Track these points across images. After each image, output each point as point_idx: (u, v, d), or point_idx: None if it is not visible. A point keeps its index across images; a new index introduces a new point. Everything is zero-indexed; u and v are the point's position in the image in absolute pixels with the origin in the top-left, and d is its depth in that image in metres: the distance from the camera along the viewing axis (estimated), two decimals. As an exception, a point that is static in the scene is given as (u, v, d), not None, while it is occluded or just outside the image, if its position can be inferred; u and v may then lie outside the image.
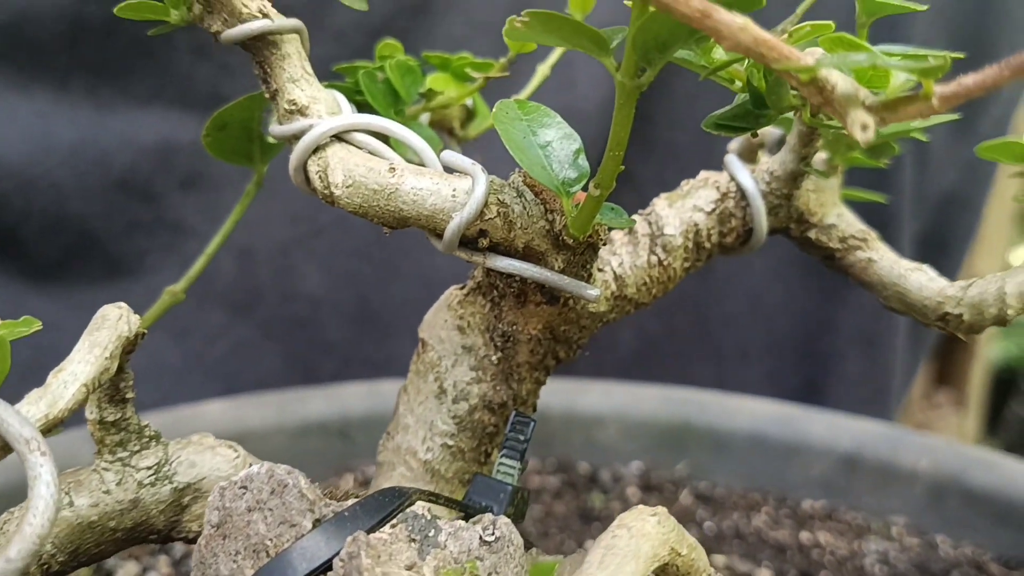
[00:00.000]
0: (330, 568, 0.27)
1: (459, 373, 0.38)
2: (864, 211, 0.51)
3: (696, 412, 0.78)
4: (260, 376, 0.98)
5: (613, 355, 1.02)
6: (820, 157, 0.41)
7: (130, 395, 0.35)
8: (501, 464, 0.36)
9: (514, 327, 0.37)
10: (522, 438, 0.36)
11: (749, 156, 0.46)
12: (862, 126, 0.22)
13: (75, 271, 0.95)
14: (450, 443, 0.38)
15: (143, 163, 0.94)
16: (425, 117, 0.46)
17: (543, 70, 0.48)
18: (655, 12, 0.25)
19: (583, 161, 0.33)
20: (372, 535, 0.28)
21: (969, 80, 0.23)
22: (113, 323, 0.31)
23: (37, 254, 0.92)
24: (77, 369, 0.29)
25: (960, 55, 0.36)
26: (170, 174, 0.96)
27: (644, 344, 1.02)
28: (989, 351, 1.85)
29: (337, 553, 0.27)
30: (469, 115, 0.48)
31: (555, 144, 0.34)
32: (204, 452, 0.36)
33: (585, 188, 0.33)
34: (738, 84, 0.31)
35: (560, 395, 0.79)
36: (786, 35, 0.24)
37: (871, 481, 0.71)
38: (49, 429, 0.28)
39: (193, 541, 0.34)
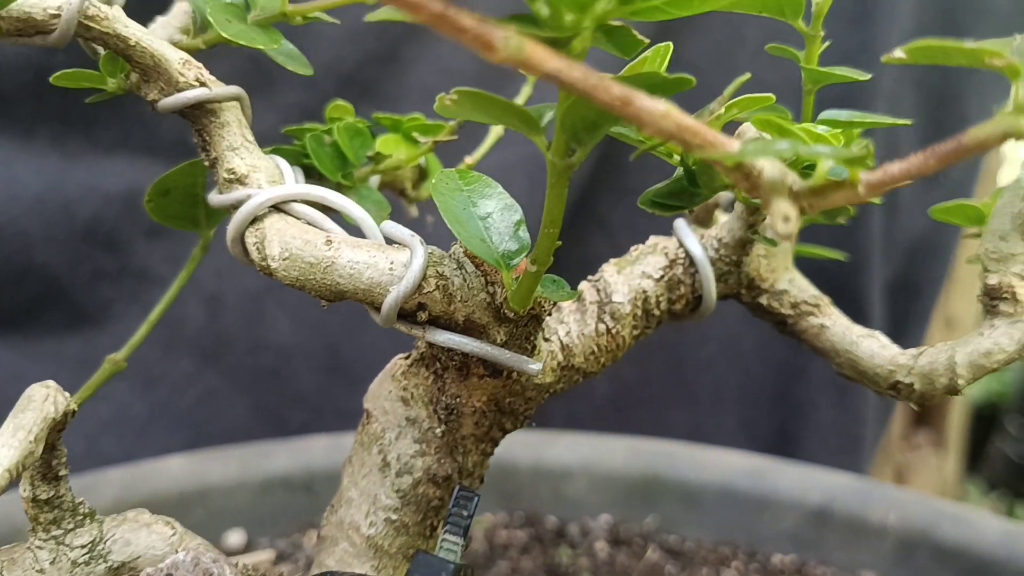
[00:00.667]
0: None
1: (403, 446, 0.37)
2: (835, 260, 0.51)
3: (666, 464, 0.77)
4: (228, 426, 0.97)
5: (588, 402, 1.01)
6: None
7: (63, 472, 0.34)
8: (444, 540, 0.35)
9: (458, 399, 0.36)
10: (465, 513, 0.35)
11: (706, 217, 0.46)
12: (784, 218, 0.21)
13: (40, 320, 0.94)
14: (394, 517, 0.37)
15: (109, 211, 0.93)
16: (375, 179, 0.45)
17: (497, 129, 0.48)
18: (579, 99, 0.24)
19: (523, 233, 0.33)
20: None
21: (895, 168, 0.22)
22: (39, 404, 0.30)
23: (1, 303, 0.91)
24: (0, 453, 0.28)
25: (908, 122, 0.36)
26: (136, 222, 0.95)
27: (619, 391, 1.01)
28: (968, 390, 1.85)
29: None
30: (422, 175, 0.48)
31: (495, 216, 0.33)
32: (140, 530, 0.35)
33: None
34: (676, 158, 0.30)
35: (528, 448, 0.78)
36: (715, 116, 0.24)
37: (841, 535, 0.70)
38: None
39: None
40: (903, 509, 0.69)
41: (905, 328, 1.01)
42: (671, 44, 0.29)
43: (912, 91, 0.97)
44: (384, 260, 0.33)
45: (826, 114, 0.37)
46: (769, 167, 0.23)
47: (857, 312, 0.98)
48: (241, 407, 0.98)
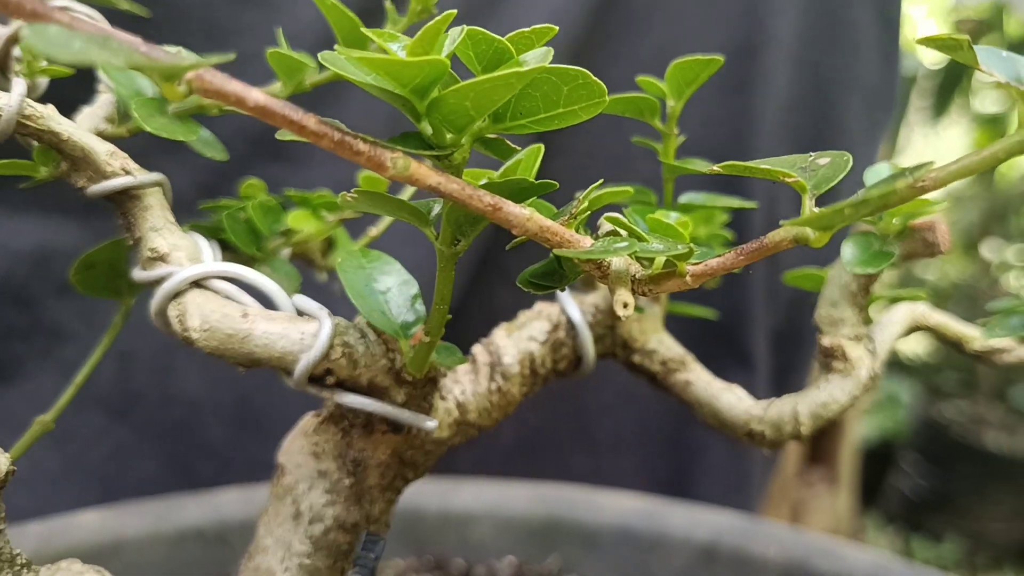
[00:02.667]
0: None
1: (314, 496, 0.41)
2: (723, 308, 0.57)
3: (565, 508, 0.82)
4: (139, 479, 0.98)
5: (495, 449, 1.06)
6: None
7: (2, 527, 0.37)
8: (351, 583, 0.39)
9: (364, 453, 0.40)
10: (372, 555, 0.39)
11: (591, 281, 0.51)
12: (623, 304, 0.26)
13: None
14: (307, 562, 0.40)
15: (19, 269, 0.94)
16: (287, 251, 0.49)
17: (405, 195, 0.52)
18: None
19: (420, 306, 0.37)
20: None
21: (714, 263, 0.27)
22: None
23: None
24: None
25: (753, 205, 0.42)
26: (47, 280, 0.96)
27: (524, 437, 1.06)
28: (858, 429, 1.95)
29: None
30: (330, 244, 0.52)
31: (394, 290, 0.38)
32: (65, 582, 0.38)
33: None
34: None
35: (435, 495, 0.82)
36: (570, 217, 0.29)
37: (727, 569, 0.75)
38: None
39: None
40: (782, 543, 0.75)
41: (789, 373, 1.08)
42: (542, 146, 0.34)
43: (787, 146, 1.05)
44: (295, 331, 0.37)
45: (685, 197, 0.43)
46: (616, 261, 0.28)
47: (744, 360, 1.06)
48: (152, 460, 1.00)
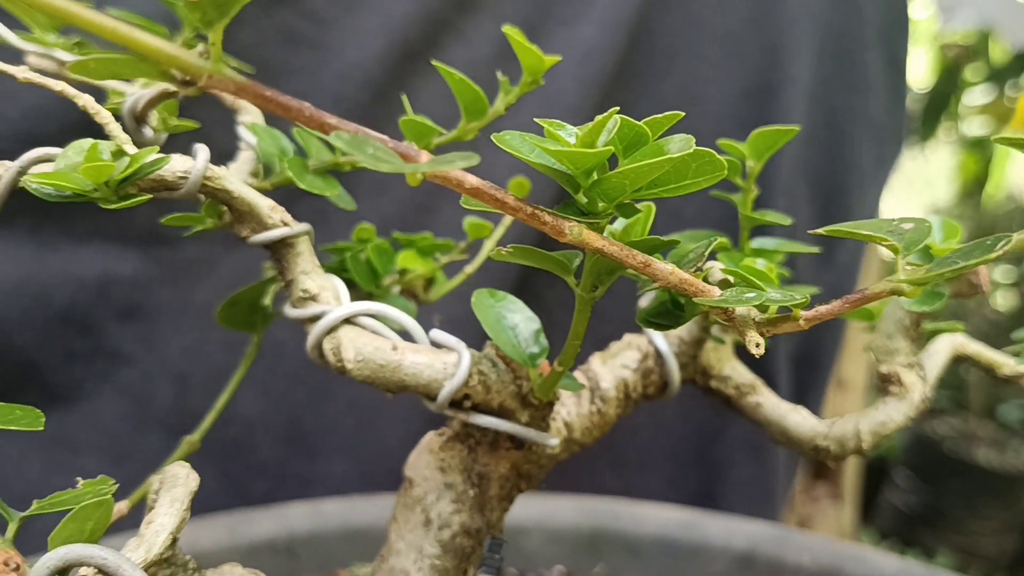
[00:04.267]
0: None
1: (443, 506, 0.47)
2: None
3: (610, 519, 0.88)
4: (197, 496, 1.03)
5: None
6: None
7: (177, 535, 0.43)
8: (480, 580, 0.45)
9: (487, 467, 0.46)
10: (497, 556, 0.45)
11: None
12: (756, 344, 0.32)
13: (14, 400, 0.99)
14: (437, 563, 0.46)
15: (83, 296, 1.00)
16: (396, 288, 0.55)
17: (490, 244, 0.59)
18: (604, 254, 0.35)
19: (543, 339, 0.44)
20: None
21: (823, 309, 0.34)
22: (184, 480, 0.39)
23: None
24: (164, 521, 0.37)
25: (815, 250, 0.49)
26: (109, 306, 1.01)
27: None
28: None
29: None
30: (429, 282, 0.58)
31: (521, 326, 0.44)
32: (233, 582, 0.44)
33: (550, 359, 0.43)
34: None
35: (488, 508, 0.87)
36: (696, 271, 0.35)
37: (763, 576, 0.81)
38: (146, 570, 0.35)
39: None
40: (814, 552, 0.81)
41: (807, 393, 1.15)
42: (654, 206, 0.41)
43: (806, 186, 1.12)
44: (439, 362, 0.43)
45: (758, 243, 0.50)
46: (740, 308, 0.34)
47: (769, 382, 1.12)
48: (208, 477, 1.04)
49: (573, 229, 0.32)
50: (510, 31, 0.45)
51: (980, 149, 3.54)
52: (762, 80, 1.10)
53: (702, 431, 1.11)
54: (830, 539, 0.83)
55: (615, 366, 0.50)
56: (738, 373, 0.52)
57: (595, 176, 0.33)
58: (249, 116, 0.51)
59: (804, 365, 1.13)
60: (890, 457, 2.64)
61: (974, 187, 3.60)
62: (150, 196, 0.38)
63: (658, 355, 0.50)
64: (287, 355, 1.07)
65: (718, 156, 0.34)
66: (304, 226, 0.46)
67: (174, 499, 0.38)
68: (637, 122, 0.35)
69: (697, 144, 0.34)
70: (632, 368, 0.50)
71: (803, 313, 0.34)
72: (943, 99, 3.42)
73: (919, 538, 2.49)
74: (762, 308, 0.35)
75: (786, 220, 0.47)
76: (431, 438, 0.49)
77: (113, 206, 0.37)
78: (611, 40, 1.07)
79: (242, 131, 0.50)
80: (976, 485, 2.52)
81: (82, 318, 1.00)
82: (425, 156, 0.29)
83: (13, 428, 0.36)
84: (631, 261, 0.33)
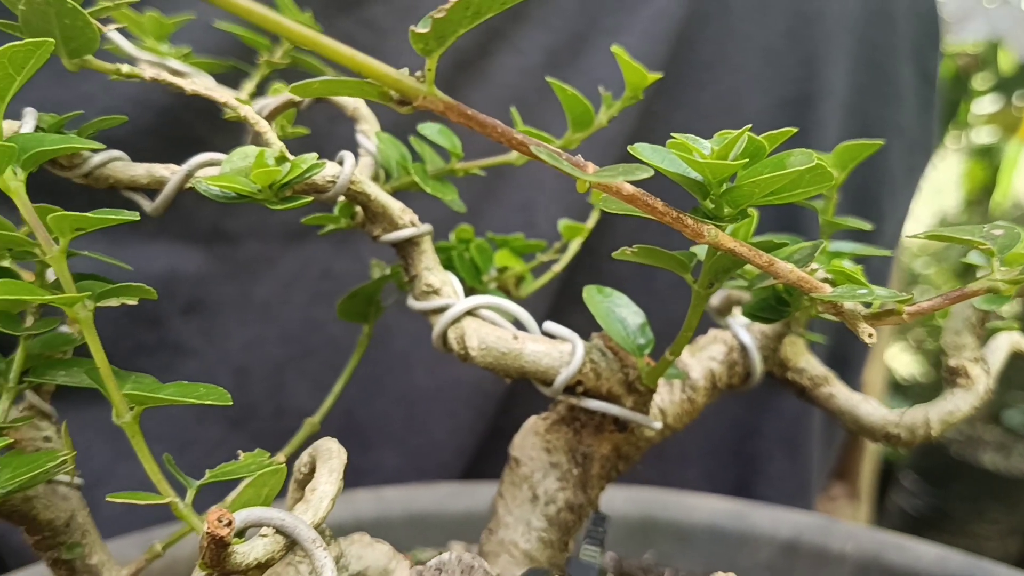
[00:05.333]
0: (511, 624, 0.40)
1: (548, 483, 0.51)
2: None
3: (660, 509, 0.92)
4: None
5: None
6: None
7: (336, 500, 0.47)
8: (585, 550, 0.49)
9: (591, 448, 0.51)
10: (601, 530, 0.50)
11: (726, 311, 0.62)
12: (868, 335, 0.37)
13: (81, 391, 1.04)
14: (543, 536, 0.51)
15: None
16: (493, 284, 0.60)
17: (576, 243, 0.63)
18: (723, 252, 0.40)
19: (648, 332, 0.48)
20: (537, 600, 0.41)
21: (926, 305, 0.38)
22: (336, 453, 0.43)
23: None
24: (326, 488, 0.41)
25: (887, 253, 0.53)
26: (173, 301, 1.06)
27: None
28: (876, 446, 2.07)
29: (516, 613, 0.40)
30: (519, 279, 0.62)
31: (628, 319, 0.48)
32: (366, 547, 0.48)
33: (653, 353, 0.47)
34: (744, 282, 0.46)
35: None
36: (811, 270, 0.40)
37: (808, 563, 0.85)
38: (315, 531, 0.39)
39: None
40: (857, 540, 0.85)
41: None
42: (756, 213, 0.45)
43: (841, 193, 1.16)
44: (555, 351, 0.47)
45: (834, 247, 0.54)
46: (849, 303, 0.39)
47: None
48: (267, 468, 1.09)
49: (710, 232, 0.37)
50: (618, 51, 0.50)
51: (988, 157, 3.58)
52: (799, 91, 1.15)
53: (739, 426, 1.16)
54: (872, 528, 0.87)
55: (703, 358, 0.54)
56: (812, 366, 0.56)
57: (726, 185, 0.37)
58: (367, 124, 0.55)
59: (838, 364, 1.17)
60: (897, 460, 2.68)
61: (981, 195, 3.65)
62: (311, 199, 0.42)
63: (742, 348, 0.54)
64: (341, 351, 1.11)
65: (828, 169, 0.39)
66: (428, 227, 0.50)
67: (332, 470, 0.42)
68: (757, 137, 0.39)
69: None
70: (719, 360, 0.54)
71: (907, 308, 0.38)
72: (952, 107, 3.47)
73: (925, 540, 2.52)
74: (866, 303, 0.39)
75: (866, 226, 0.52)
76: (535, 421, 0.53)
77: (277, 207, 0.42)
78: (653, 50, 1.12)
79: (361, 138, 0.54)
80: (982, 488, 2.56)
81: (148, 312, 1.05)
82: (591, 167, 0.33)
83: (201, 403, 0.40)
84: (757, 260, 0.38)
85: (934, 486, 2.61)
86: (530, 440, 0.52)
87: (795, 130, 0.41)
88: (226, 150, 1.06)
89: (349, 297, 0.56)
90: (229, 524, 0.34)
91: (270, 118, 0.57)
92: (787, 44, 1.16)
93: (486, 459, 1.16)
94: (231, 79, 0.65)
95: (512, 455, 0.53)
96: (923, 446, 2.52)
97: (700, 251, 0.44)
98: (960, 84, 3.46)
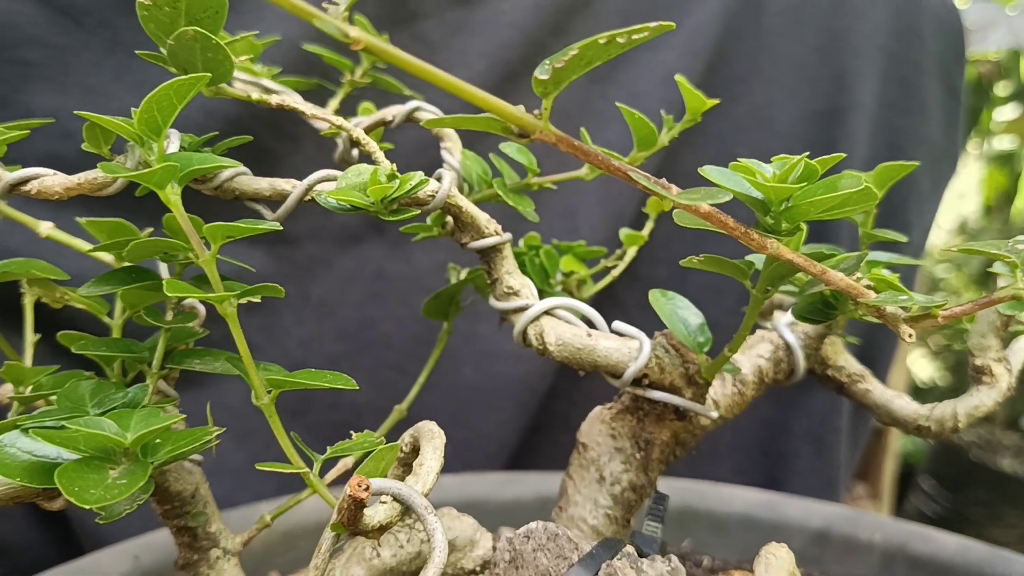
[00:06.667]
0: (592, 583, 0.46)
1: (614, 466, 0.57)
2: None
3: (697, 499, 0.98)
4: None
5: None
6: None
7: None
8: (648, 526, 0.55)
9: (652, 435, 0.57)
10: (662, 508, 0.56)
11: (769, 313, 0.68)
12: (908, 335, 0.42)
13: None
14: (609, 513, 0.57)
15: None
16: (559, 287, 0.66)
17: (632, 251, 0.69)
18: (780, 262, 0.46)
19: (707, 331, 0.54)
20: (614, 563, 0.47)
21: (957, 309, 0.44)
22: (437, 433, 0.49)
23: None
24: (431, 464, 0.47)
25: (920, 263, 0.59)
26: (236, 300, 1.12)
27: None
28: (897, 448, 2.11)
29: (596, 573, 0.46)
30: (580, 283, 0.69)
31: (689, 319, 0.54)
32: (455, 520, 0.54)
33: (710, 352, 0.53)
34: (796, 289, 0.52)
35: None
36: (857, 278, 0.45)
37: (838, 552, 0.91)
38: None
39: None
40: (884, 530, 0.91)
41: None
42: (805, 227, 0.51)
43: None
44: (625, 347, 0.53)
45: (875, 255, 0.60)
46: (891, 308, 0.45)
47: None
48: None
49: (773, 244, 0.42)
50: (680, 80, 0.56)
51: (1008, 164, 3.61)
52: (829, 104, 1.21)
53: (768, 424, 1.21)
54: (899, 520, 0.93)
55: (752, 355, 0.60)
56: (850, 364, 0.62)
57: (786, 204, 0.43)
58: (451, 143, 0.61)
59: (865, 362, 1.23)
60: (915, 462, 2.72)
61: (1001, 201, 3.68)
62: (418, 211, 0.49)
63: (787, 347, 0.60)
64: (392, 348, 1.18)
65: (872, 189, 0.44)
66: (509, 235, 0.56)
67: (435, 447, 0.48)
68: (811, 161, 0.45)
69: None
70: (766, 358, 0.60)
71: (941, 312, 0.44)
72: (973, 114, 3.50)
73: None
74: (905, 308, 0.45)
75: (903, 238, 0.58)
76: (600, 411, 0.59)
77: (388, 218, 0.48)
78: (690, 65, 1.18)
79: (446, 155, 0.61)
80: (1000, 493, 2.58)
81: (213, 310, 1.11)
82: (675, 189, 0.39)
83: (331, 387, 0.47)
84: (812, 269, 0.44)
85: (952, 490, 2.64)
86: (596, 427, 0.58)
87: (843, 156, 0.47)
88: (289, 158, 1.13)
89: (434, 298, 0.62)
90: (367, 489, 0.40)
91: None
92: (818, 59, 1.21)
93: (528, 453, 1.22)
94: (313, 96, 0.72)
95: (580, 441, 0.59)
96: (942, 450, 2.55)
97: (757, 260, 0.50)
98: (981, 91, 3.50)
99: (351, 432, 0.52)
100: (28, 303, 0.68)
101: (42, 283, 0.57)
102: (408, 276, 1.19)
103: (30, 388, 0.54)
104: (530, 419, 1.21)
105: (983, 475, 2.59)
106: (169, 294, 0.44)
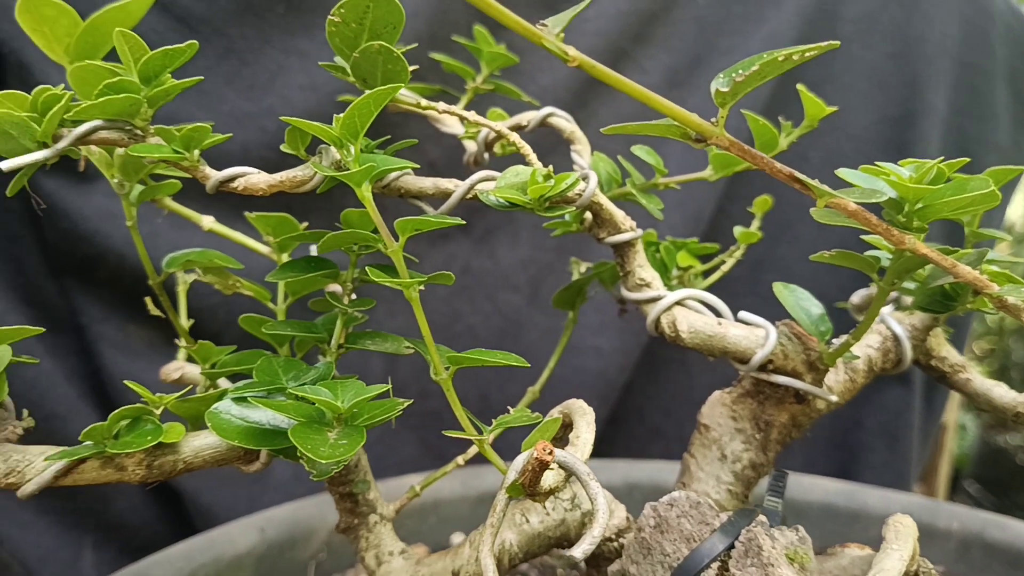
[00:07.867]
0: (733, 547, 0.51)
1: (735, 445, 0.62)
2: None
3: (779, 488, 1.02)
4: (401, 459, 1.20)
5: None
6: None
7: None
8: (769, 500, 0.60)
9: (772, 417, 0.61)
10: (781, 485, 0.60)
11: (865, 306, 0.72)
12: (1033, 323, 0.47)
13: None
14: (731, 489, 0.62)
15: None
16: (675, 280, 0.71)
17: (739, 253, 0.73)
18: (910, 256, 0.50)
19: (828, 321, 0.59)
20: (753, 529, 0.51)
21: (1076, 300, 0.48)
22: (589, 409, 0.54)
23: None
24: (587, 436, 0.52)
25: (1021, 260, 0.63)
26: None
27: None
28: (952, 449, 2.14)
29: (736, 537, 0.51)
30: (695, 276, 0.73)
31: (812, 310, 0.59)
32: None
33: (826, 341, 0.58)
34: (914, 285, 0.57)
35: (616, 472, 1.03)
36: (982, 273, 0.50)
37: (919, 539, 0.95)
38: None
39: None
40: (961, 519, 0.94)
41: (935, 388, 1.28)
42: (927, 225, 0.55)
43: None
44: (752, 335, 0.58)
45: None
46: (1012, 298, 0.49)
47: (903, 376, 1.26)
48: (410, 444, 1.22)
49: (910, 240, 0.47)
50: (802, 89, 0.60)
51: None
52: (902, 109, 1.25)
53: (842, 419, 1.25)
54: (974, 509, 0.97)
55: (863, 345, 0.65)
56: (952, 355, 0.67)
57: (922, 203, 0.48)
58: (581, 146, 0.66)
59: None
60: (962, 467, 2.73)
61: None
62: (573, 208, 0.54)
63: (895, 338, 0.65)
64: (478, 340, 1.23)
65: (995, 190, 0.49)
66: (640, 231, 0.61)
67: (588, 422, 0.53)
68: (939, 163, 0.49)
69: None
70: (875, 348, 0.65)
71: (1060, 303, 0.48)
72: None
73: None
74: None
75: (1007, 237, 0.62)
76: (720, 395, 0.64)
77: (543, 214, 0.53)
78: (767, 71, 1.22)
79: (576, 156, 0.66)
80: (1043, 496, 2.58)
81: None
82: (827, 188, 0.44)
83: (506, 364, 0.52)
84: (943, 263, 0.48)
85: (996, 494, 2.65)
86: (718, 410, 0.63)
87: (968, 160, 0.51)
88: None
89: (564, 289, 0.67)
90: (551, 453, 0.46)
91: (492, 141, 0.69)
92: (891, 66, 1.25)
93: (605, 443, 1.27)
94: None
95: (701, 422, 0.64)
96: (988, 453, 2.55)
97: (882, 255, 0.54)
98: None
99: (508, 408, 0.57)
100: (182, 291, 0.74)
101: (218, 271, 0.63)
102: (493, 272, 1.24)
103: (212, 365, 0.59)
104: (609, 411, 1.25)
105: (1026, 478, 2.59)
106: (375, 280, 0.50)
